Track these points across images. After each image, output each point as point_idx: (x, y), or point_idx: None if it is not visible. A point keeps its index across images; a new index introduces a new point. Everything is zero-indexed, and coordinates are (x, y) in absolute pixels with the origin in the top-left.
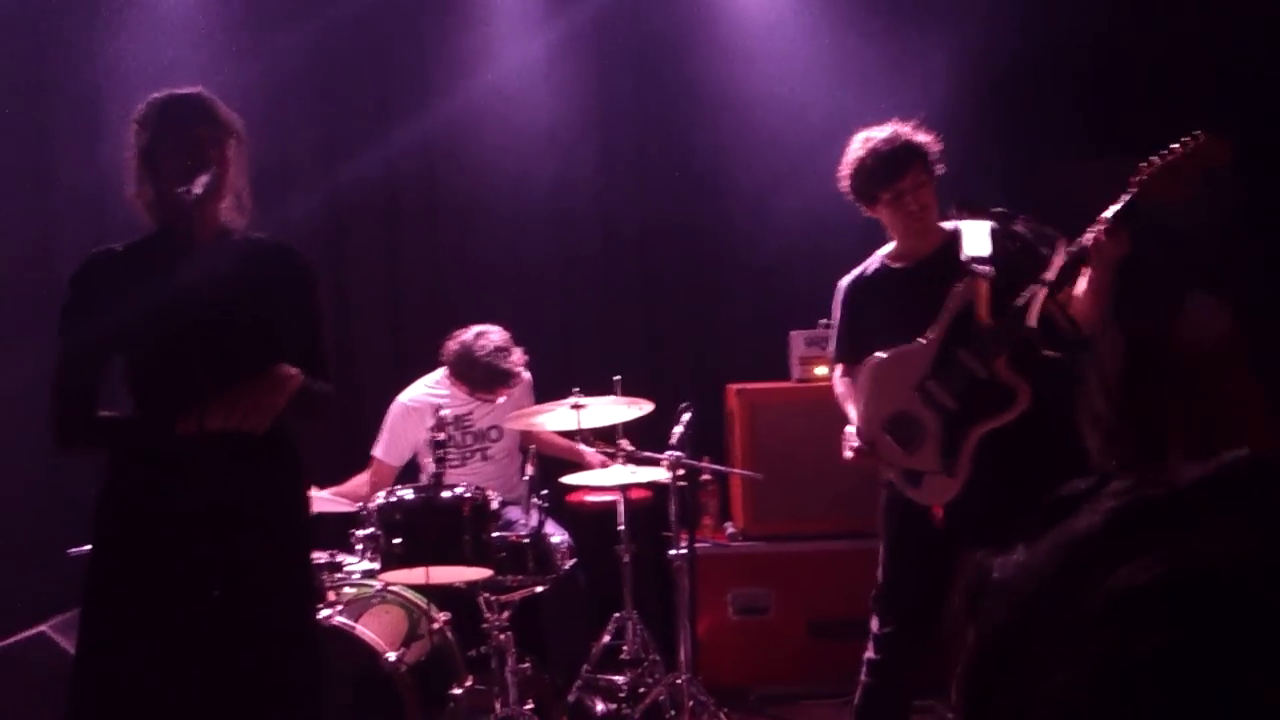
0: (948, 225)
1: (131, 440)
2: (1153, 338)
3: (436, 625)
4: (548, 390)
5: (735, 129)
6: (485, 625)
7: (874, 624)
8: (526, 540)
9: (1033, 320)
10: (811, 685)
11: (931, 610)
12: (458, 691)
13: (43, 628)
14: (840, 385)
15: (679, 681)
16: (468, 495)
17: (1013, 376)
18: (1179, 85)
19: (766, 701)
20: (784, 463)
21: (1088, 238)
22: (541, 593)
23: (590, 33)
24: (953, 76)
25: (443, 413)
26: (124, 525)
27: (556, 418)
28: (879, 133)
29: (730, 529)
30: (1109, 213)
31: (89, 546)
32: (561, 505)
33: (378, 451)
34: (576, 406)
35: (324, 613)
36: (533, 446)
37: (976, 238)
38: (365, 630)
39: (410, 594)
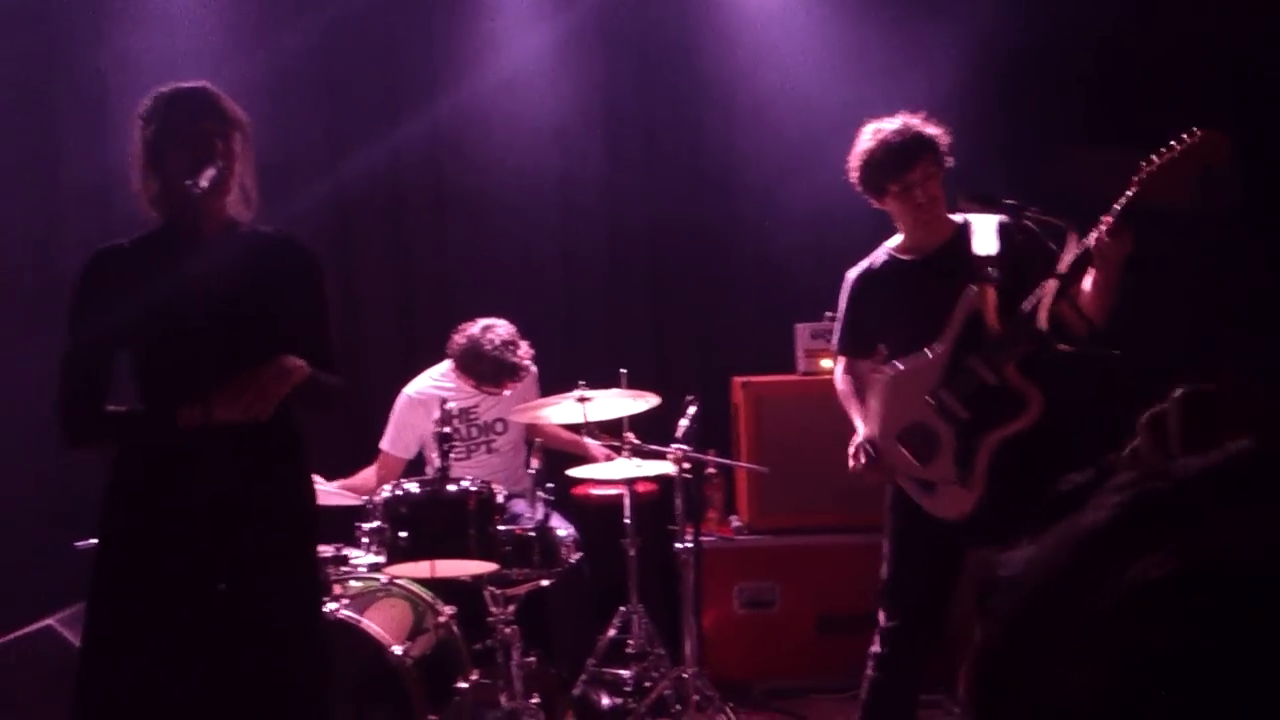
0: (956, 218)
1: (139, 434)
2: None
3: (442, 619)
4: (553, 384)
5: (741, 122)
6: (490, 619)
7: (881, 618)
8: (532, 534)
9: (1044, 316)
10: (818, 679)
11: (938, 604)
12: (463, 685)
13: (49, 621)
14: (842, 383)
15: (685, 675)
16: (473, 489)
17: (1024, 383)
18: (1187, 77)
19: (772, 695)
20: (789, 456)
21: (1091, 239)
22: (547, 586)
23: (597, 26)
24: (960, 69)
25: (448, 405)
26: (130, 519)
27: (562, 411)
28: (889, 124)
29: (736, 522)
30: (1110, 213)
31: (96, 540)
32: (567, 499)
33: (385, 444)
34: (582, 400)
35: (329, 606)
36: (538, 440)
37: (984, 234)
38: (371, 624)
39: (416, 587)
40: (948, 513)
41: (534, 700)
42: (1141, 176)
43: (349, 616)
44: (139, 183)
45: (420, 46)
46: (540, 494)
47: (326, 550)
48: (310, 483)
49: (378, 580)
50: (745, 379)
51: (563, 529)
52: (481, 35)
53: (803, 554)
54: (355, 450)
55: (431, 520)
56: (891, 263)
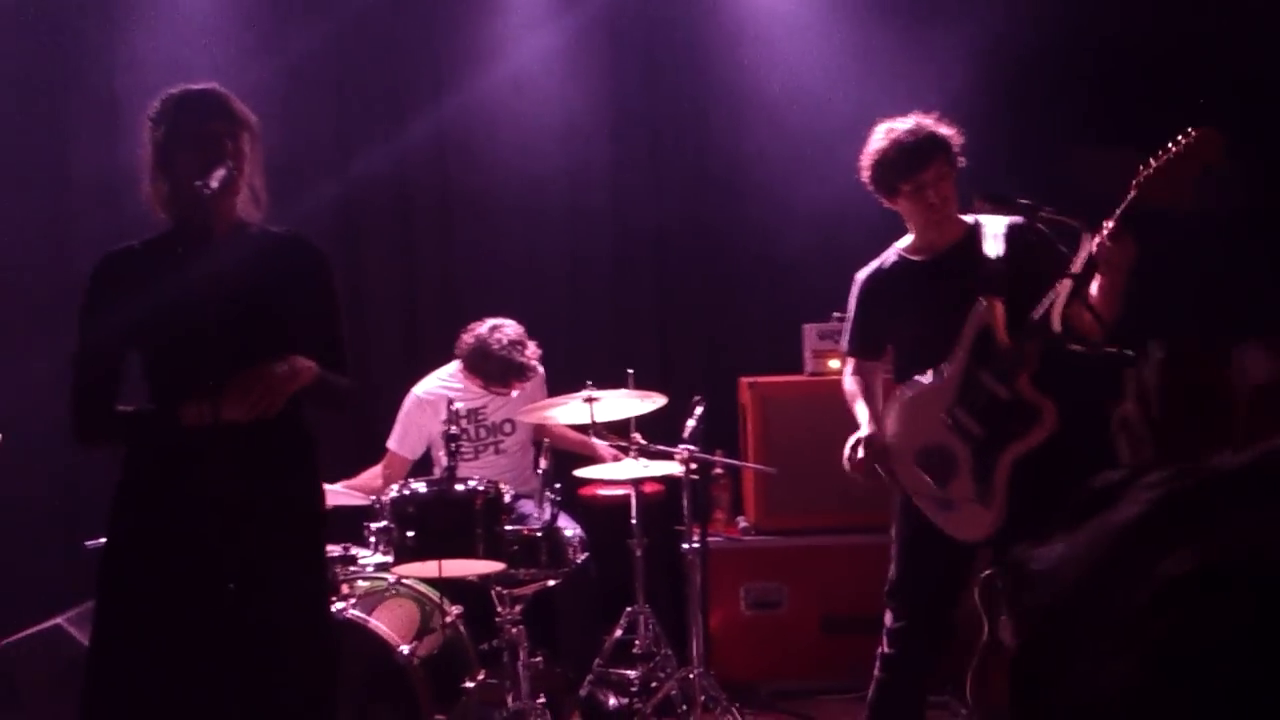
0: (967, 218)
1: (147, 432)
2: (1196, 365)
3: (449, 619)
4: (560, 384)
5: (748, 122)
6: (497, 619)
7: (888, 618)
8: (539, 534)
9: (1057, 314)
10: (825, 680)
11: (946, 605)
12: (470, 685)
13: (58, 620)
14: (850, 383)
15: (691, 676)
16: (481, 489)
17: (1036, 395)
18: (1195, 78)
19: (779, 696)
20: (797, 456)
21: (1094, 245)
22: (554, 586)
23: (604, 26)
24: (967, 70)
25: (455, 405)
26: (139, 519)
27: (569, 411)
28: (902, 124)
29: (743, 523)
30: (1110, 218)
31: (105, 540)
32: (574, 499)
33: (392, 444)
34: (589, 400)
35: (337, 606)
36: (546, 440)
37: (993, 238)
38: (378, 623)
39: (423, 587)
40: (965, 534)
41: (540, 700)
42: (1139, 180)
43: (356, 616)
44: (149, 184)
45: (427, 47)
46: (547, 494)
47: (334, 550)
48: (319, 483)
49: (385, 580)
50: (752, 379)
51: (570, 529)
52: (489, 36)
53: (810, 555)
54: (360, 450)
55: (439, 520)
56: (901, 263)
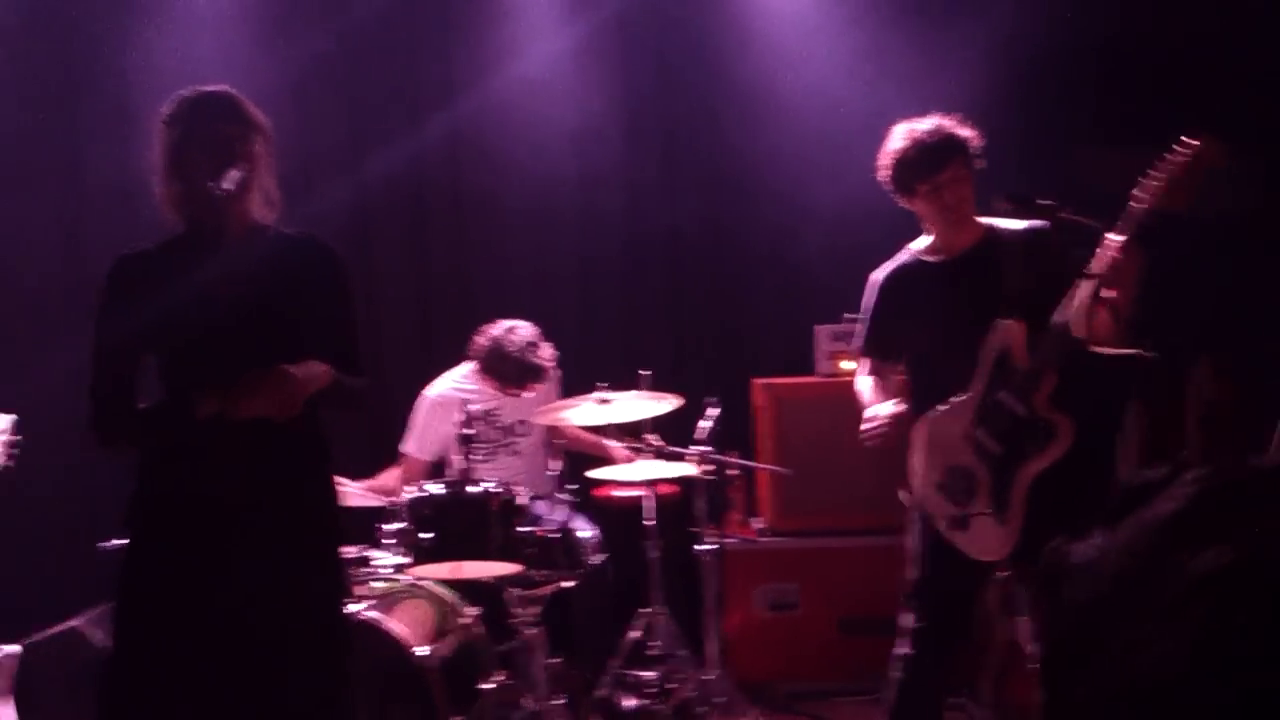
0: (984, 221)
1: (160, 427)
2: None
3: (466, 620)
4: (574, 386)
5: (760, 124)
6: (514, 620)
7: (908, 619)
8: (555, 535)
9: (1078, 317)
10: (841, 681)
11: (965, 607)
12: (487, 687)
13: (74, 622)
14: (862, 382)
15: (708, 677)
16: (496, 490)
17: (1052, 412)
18: (1208, 79)
19: (796, 698)
20: (811, 457)
21: (1103, 259)
22: (570, 588)
23: (617, 28)
24: (981, 70)
25: (470, 408)
26: (156, 521)
27: (583, 413)
28: (921, 124)
29: (758, 524)
30: (1117, 230)
31: (120, 541)
32: (589, 500)
33: (408, 447)
34: (603, 401)
35: (354, 607)
36: (560, 441)
37: (1012, 246)
38: (395, 625)
39: (440, 589)
40: (982, 553)
41: (558, 702)
42: (1144, 192)
43: (373, 617)
44: (162, 186)
45: (440, 49)
46: (562, 496)
47: (350, 551)
48: (333, 485)
49: (402, 581)
50: (766, 381)
51: (585, 530)
52: (501, 38)
53: (825, 556)
54: (374, 451)
55: (455, 521)
56: (917, 265)
